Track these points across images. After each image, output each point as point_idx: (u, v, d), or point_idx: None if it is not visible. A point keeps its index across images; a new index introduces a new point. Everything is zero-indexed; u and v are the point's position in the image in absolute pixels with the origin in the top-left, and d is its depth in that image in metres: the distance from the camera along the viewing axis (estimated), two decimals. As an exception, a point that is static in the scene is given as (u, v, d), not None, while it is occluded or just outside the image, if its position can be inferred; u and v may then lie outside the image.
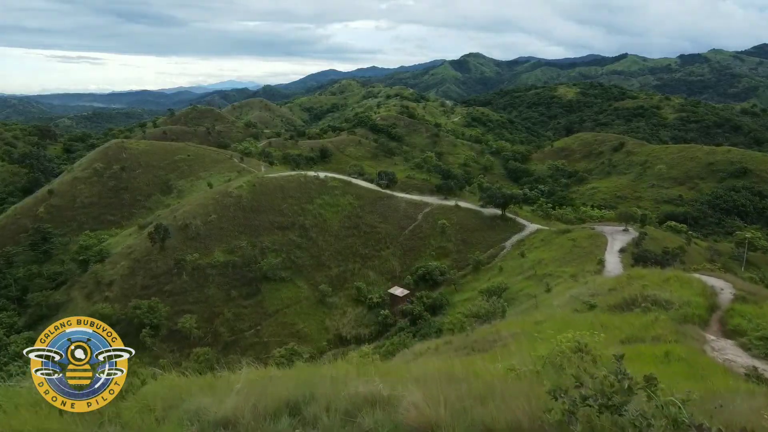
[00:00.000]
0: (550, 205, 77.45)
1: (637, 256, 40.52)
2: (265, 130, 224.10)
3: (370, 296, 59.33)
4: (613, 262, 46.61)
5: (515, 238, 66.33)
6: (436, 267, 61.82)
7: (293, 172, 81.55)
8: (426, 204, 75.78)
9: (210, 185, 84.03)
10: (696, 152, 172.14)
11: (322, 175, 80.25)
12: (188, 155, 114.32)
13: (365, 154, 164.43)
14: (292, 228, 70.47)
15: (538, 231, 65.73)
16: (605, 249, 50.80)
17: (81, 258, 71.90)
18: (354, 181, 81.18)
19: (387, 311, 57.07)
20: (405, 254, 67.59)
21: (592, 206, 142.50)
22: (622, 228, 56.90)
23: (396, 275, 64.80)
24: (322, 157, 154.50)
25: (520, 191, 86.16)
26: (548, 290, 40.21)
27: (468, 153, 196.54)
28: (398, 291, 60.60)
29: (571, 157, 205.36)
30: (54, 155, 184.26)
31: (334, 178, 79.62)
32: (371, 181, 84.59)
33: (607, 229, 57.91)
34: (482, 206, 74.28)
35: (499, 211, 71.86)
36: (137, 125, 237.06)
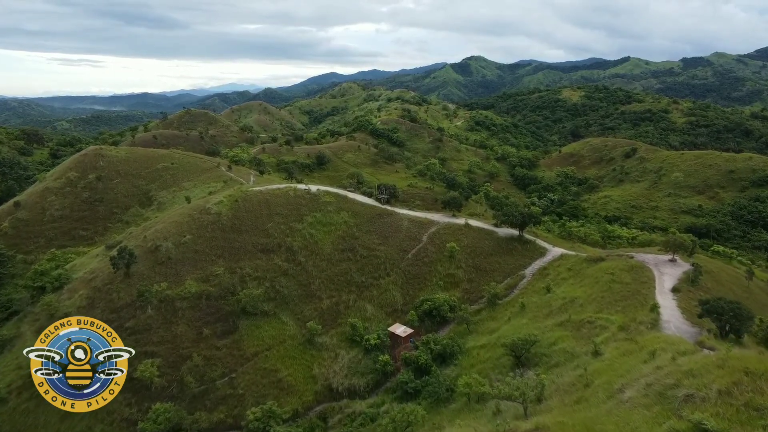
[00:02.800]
0: (574, 224, 67.73)
1: (709, 306, 31.26)
2: (260, 135, 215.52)
3: (366, 336, 50.08)
4: (669, 308, 37.35)
5: (536, 264, 57.03)
6: (445, 301, 52.53)
7: (281, 185, 72.36)
8: (432, 222, 66.50)
9: (188, 199, 74.86)
10: (714, 159, 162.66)
11: (313, 188, 71.07)
12: (172, 163, 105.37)
13: (364, 160, 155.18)
14: (277, 251, 61.27)
15: (562, 257, 56.42)
16: (654, 287, 41.53)
17: (36, 284, 62.75)
18: (350, 195, 71.97)
19: (387, 356, 47.81)
20: (408, 283, 58.29)
21: (618, 222, 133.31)
22: (668, 258, 47.61)
23: (397, 309, 55.52)
24: (319, 164, 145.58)
25: (539, 209, 76.57)
26: (596, 352, 30.86)
27: (473, 159, 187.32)
28: (400, 330, 51.36)
29: (581, 163, 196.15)
30: (39, 161, 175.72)
31: (328, 192, 70.41)
32: (370, 195, 75.36)
33: (648, 258, 48.62)
34: (496, 225, 65.01)
35: (515, 232, 62.56)
36: (128, 129, 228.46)
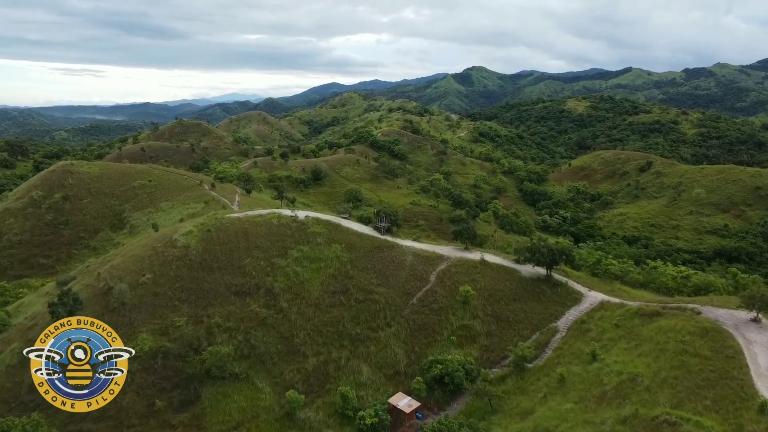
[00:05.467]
0: (610, 260, 56.96)
1: None
2: (256, 146, 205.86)
3: (361, 413, 39.32)
4: (783, 407, 26.60)
5: (571, 314, 46.36)
6: (460, 364, 41.81)
7: (264, 211, 61.96)
8: (440, 258, 55.92)
9: (155, 227, 64.55)
10: (738, 174, 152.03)
11: (301, 215, 60.65)
12: (150, 180, 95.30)
13: (364, 175, 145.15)
14: (255, 294, 50.74)
15: (603, 305, 45.77)
16: (746, 365, 30.87)
17: (-35, 333, 52.20)
18: (344, 223, 61.47)
19: (386, 443, 37.03)
20: (412, 336, 47.61)
21: (638, 243, 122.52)
22: (750, 316, 37.03)
23: (399, 371, 44.80)
24: (315, 180, 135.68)
25: (569, 241, 65.92)
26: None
27: (478, 172, 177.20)
28: (403, 402, 40.64)
29: (592, 177, 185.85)
30: (21, 174, 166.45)
31: (318, 221, 59.92)
32: (367, 222, 64.93)
33: (721, 315, 38.01)
34: (518, 261, 54.48)
35: (542, 270, 51.99)
36: (117, 140, 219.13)
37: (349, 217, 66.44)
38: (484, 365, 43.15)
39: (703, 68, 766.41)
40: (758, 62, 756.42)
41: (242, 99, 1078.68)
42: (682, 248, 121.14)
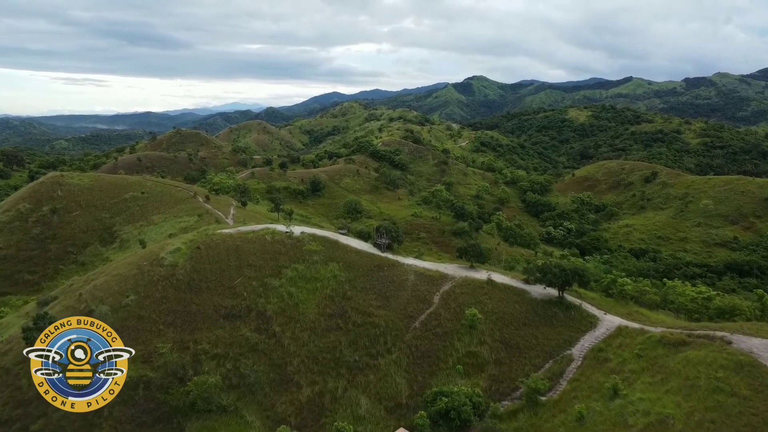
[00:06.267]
0: (625, 279, 53.51)
1: None
2: (254, 156, 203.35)
3: (358, 453, 35.69)
4: None
5: (586, 341, 42.84)
6: (467, 397, 38.19)
7: (257, 227, 58.72)
8: (444, 277, 52.50)
9: (142, 243, 61.31)
10: (747, 185, 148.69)
11: (297, 230, 57.36)
12: (142, 192, 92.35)
13: (364, 186, 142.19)
14: (246, 317, 47.33)
15: (621, 331, 42.25)
16: (793, 409, 27.41)
17: (-64, 358, 48.76)
18: (342, 239, 58.15)
19: (387, 488, 33.39)
20: (415, 363, 44.08)
21: (645, 256, 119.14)
22: (787, 348, 33.64)
23: (401, 403, 41.20)
24: (314, 191, 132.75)
25: (580, 259, 62.46)
26: None
27: (480, 183, 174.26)
28: (405, 440, 36.97)
29: (597, 188, 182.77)
30: (15, 185, 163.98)
31: (314, 237, 56.61)
32: (367, 237, 61.61)
33: (756, 345, 34.53)
34: (527, 281, 51.11)
35: (554, 291, 48.59)
36: (114, 150, 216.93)
37: (348, 233, 63.17)
38: (492, 398, 39.56)
39: (704, 77, 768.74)
40: (758, 72, 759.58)
41: (243, 108, 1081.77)
42: (691, 261, 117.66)
